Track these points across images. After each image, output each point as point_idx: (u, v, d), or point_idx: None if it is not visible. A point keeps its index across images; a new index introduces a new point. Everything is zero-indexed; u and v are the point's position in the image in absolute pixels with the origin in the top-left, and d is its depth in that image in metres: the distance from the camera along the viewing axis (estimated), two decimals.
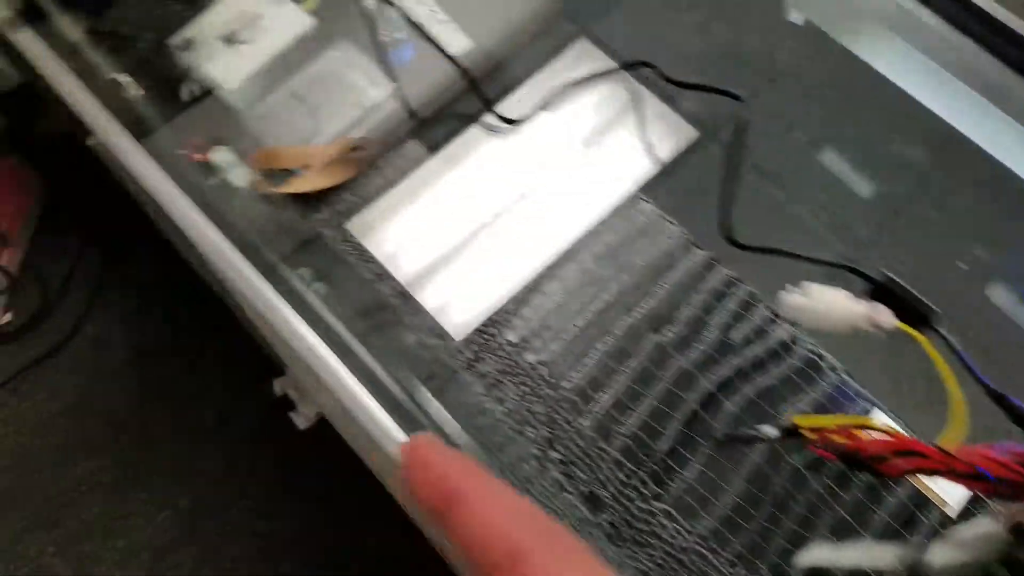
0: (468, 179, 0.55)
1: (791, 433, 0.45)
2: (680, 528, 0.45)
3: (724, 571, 0.45)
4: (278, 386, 1.05)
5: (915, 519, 0.47)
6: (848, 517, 0.47)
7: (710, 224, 0.53)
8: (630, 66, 0.58)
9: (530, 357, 0.50)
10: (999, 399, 0.46)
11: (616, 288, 0.53)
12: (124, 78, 0.50)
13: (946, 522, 0.47)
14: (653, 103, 0.58)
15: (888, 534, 0.46)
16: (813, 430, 0.45)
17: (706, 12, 0.61)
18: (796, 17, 0.59)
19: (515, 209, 0.55)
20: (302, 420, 1.02)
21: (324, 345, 0.46)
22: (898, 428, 0.46)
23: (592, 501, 0.46)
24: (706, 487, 0.47)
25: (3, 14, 0.49)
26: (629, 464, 0.47)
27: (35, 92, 1.02)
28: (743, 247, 0.52)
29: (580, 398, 0.49)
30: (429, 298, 0.52)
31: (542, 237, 0.54)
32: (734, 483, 0.47)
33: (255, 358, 0.98)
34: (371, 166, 0.53)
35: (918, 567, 0.41)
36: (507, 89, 0.57)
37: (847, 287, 0.48)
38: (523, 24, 0.58)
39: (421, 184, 0.54)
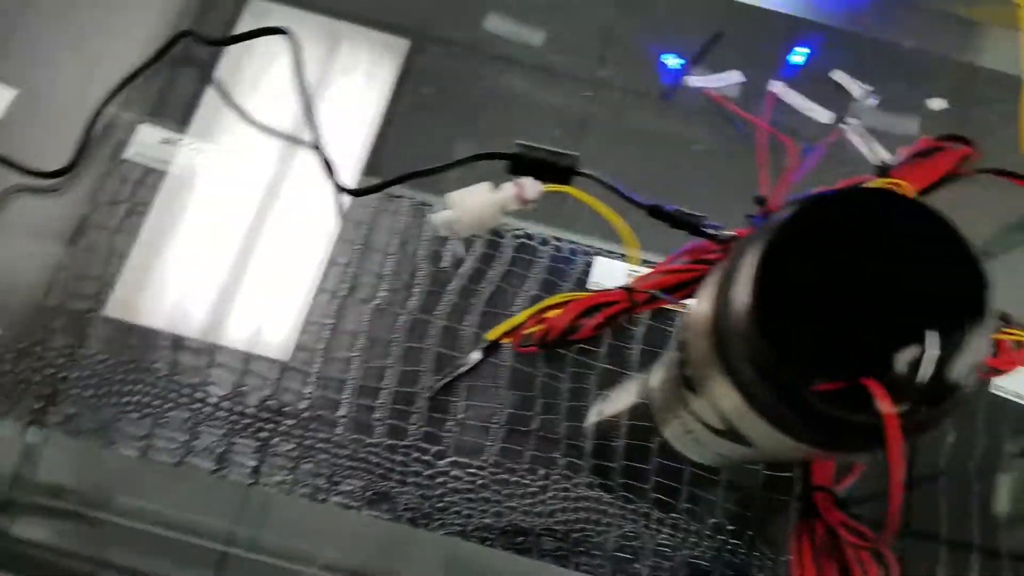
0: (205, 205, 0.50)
1: (491, 349, 0.44)
2: (473, 469, 0.44)
3: (527, 480, 0.44)
4: None
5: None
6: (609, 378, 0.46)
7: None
8: None
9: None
10: (655, 212, 0.45)
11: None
12: None
13: None
14: None
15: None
16: (508, 335, 0.44)
17: None
18: None
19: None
20: None
21: None
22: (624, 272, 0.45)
23: (383, 501, 0.44)
24: (478, 418, 0.45)
25: None
26: (400, 442, 0.45)
27: None
28: (359, 193, 0.48)
29: (327, 410, 0.47)
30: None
31: None
32: (503, 397, 0.46)
33: None
34: None
35: (646, 390, 0.43)
36: None
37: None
38: None
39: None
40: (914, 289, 0.30)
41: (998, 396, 0.47)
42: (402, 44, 0.55)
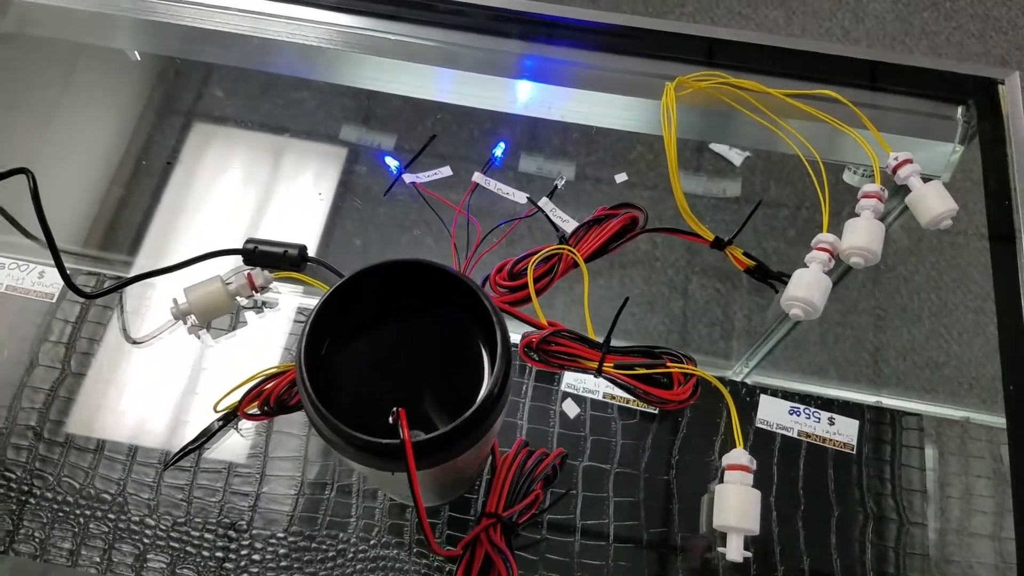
0: None
1: (230, 417, 0.51)
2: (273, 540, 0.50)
3: (326, 546, 0.49)
4: None
5: None
6: None
7: None
8: None
9: None
10: None
11: None
12: None
13: None
14: None
15: None
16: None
17: None
18: None
19: None
20: None
21: None
22: None
23: None
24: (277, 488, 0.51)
25: None
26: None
27: None
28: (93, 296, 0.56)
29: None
30: None
31: None
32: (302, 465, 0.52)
33: None
34: None
35: None
36: None
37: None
38: None
39: None
40: (447, 334, 0.38)
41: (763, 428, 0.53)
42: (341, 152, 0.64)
